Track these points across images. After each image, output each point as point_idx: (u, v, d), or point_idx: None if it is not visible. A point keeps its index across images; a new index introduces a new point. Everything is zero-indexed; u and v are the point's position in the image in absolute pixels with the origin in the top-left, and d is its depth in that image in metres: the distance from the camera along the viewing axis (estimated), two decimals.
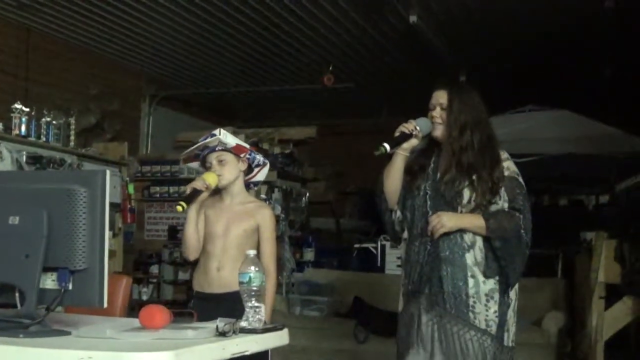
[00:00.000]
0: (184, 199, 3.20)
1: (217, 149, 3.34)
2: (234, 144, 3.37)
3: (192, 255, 3.41)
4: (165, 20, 7.93)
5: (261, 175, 3.56)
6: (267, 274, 3.04)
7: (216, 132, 3.37)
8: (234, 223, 3.37)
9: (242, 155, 3.41)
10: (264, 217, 3.41)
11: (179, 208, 3.18)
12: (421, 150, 3.24)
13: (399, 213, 3.24)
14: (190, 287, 3.55)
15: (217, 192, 3.38)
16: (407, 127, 3.13)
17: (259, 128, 8.45)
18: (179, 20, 7.93)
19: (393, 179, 3.22)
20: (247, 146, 3.48)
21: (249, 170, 3.49)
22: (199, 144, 3.36)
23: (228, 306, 2.94)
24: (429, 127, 3.16)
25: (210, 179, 3.26)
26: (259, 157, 3.52)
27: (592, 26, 7.70)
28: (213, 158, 3.35)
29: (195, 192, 3.21)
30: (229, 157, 3.36)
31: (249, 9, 7.54)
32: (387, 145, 3.08)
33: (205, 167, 3.38)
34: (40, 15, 7.72)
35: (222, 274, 3.32)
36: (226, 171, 3.34)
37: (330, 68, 8.97)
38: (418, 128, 3.13)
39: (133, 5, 7.42)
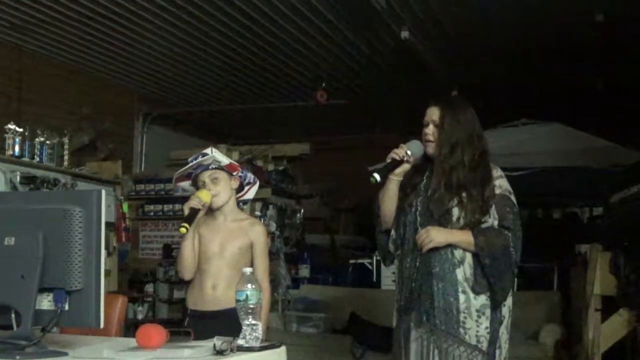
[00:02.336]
0: (185, 220, 3.19)
1: (210, 167, 3.35)
2: (227, 162, 3.40)
3: (188, 274, 3.41)
4: (158, 39, 7.96)
5: (251, 193, 3.59)
6: (261, 291, 3.05)
7: (208, 150, 3.38)
8: (229, 241, 3.38)
9: (234, 173, 3.43)
10: (258, 234, 3.42)
11: (183, 230, 3.17)
12: (415, 167, 3.23)
13: (393, 232, 3.24)
14: (185, 305, 3.55)
15: (210, 210, 3.39)
16: (398, 153, 3.12)
17: (252, 145, 8.46)
18: (171, 39, 7.96)
19: (388, 203, 3.22)
20: (238, 165, 3.51)
21: (240, 188, 3.51)
22: (193, 163, 3.36)
23: (223, 323, 2.94)
24: (421, 149, 3.15)
25: (205, 196, 3.26)
26: (250, 175, 3.55)
27: (582, 39, 7.75)
28: (206, 176, 3.35)
29: (194, 212, 3.21)
30: (221, 175, 3.37)
31: (241, 27, 7.57)
32: (377, 176, 3.08)
33: (197, 186, 3.39)
34: (33, 36, 7.74)
35: (217, 292, 3.32)
36: (220, 189, 3.35)
37: (323, 85, 9.00)
38: (409, 152, 3.12)
39: (125, 24, 7.45)
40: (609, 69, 8.63)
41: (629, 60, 8.32)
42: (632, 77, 8.84)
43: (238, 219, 3.47)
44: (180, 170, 3.44)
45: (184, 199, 3.37)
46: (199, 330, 2.73)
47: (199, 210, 3.23)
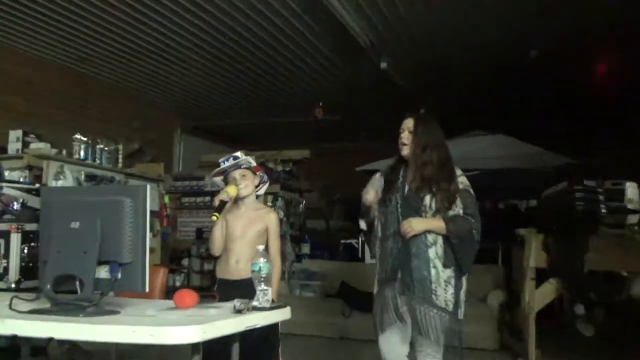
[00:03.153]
0: (216, 209, 3.18)
1: (242, 166, 3.37)
2: (254, 165, 3.42)
3: (217, 251, 3.41)
4: (194, 69, 7.98)
5: (263, 189, 3.59)
6: (274, 264, 3.05)
7: (239, 154, 3.39)
8: (249, 226, 3.37)
9: (257, 173, 3.44)
10: (271, 220, 3.41)
11: (214, 217, 3.17)
12: (391, 167, 3.23)
13: (375, 213, 3.24)
14: (214, 275, 3.54)
15: (235, 201, 3.38)
16: (368, 198, 3.14)
17: (265, 150, 8.45)
18: (204, 69, 7.98)
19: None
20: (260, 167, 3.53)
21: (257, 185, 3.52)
22: (230, 163, 3.36)
23: (243, 289, 2.93)
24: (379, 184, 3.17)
25: (232, 190, 3.26)
26: (265, 176, 3.56)
27: (520, 71, 7.74)
28: (237, 174, 3.36)
29: (223, 203, 3.21)
30: (249, 173, 3.39)
31: (257, 59, 7.59)
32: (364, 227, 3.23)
33: (227, 181, 3.39)
34: (95, 66, 7.74)
35: (239, 266, 3.31)
36: (248, 183, 3.37)
37: (320, 104, 8.98)
38: (373, 191, 3.15)
39: (169, 58, 7.48)
40: (542, 91, 8.64)
41: (560, 83, 8.33)
42: (560, 97, 8.87)
43: (257, 208, 3.46)
44: (219, 168, 3.43)
45: (213, 193, 3.37)
46: (225, 294, 2.73)
47: (226, 202, 3.23)
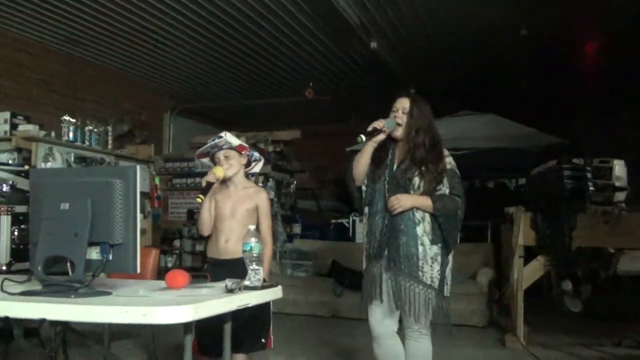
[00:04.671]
0: (202, 191, 3.16)
1: (224, 147, 3.33)
2: (237, 144, 3.37)
3: (206, 231, 3.39)
4: (184, 50, 7.90)
5: (257, 167, 3.56)
6: (265, 243, 3.03)
7: (222, 134, 3.35)
8: (238, 205, 3.35)
9: (243, 152, 3.40)
10: (261, 199, 3.40)
11: (199, 199, 3.15)
12: (381, 145, 3.21)
13: (364, 187, 3.23)
14: (205, 256, 3.53)
15: (224, 181, 3.36)
16: (378, 124, 3.10)
17: (256, 132, 8.42)
18: (194, 50, 7.90)
19: (363, 163, 3.18)
20: (247, 146, 3.48)
21: (248, 164, 3.48)
22: (210, 144, 3.33)
23: (233, 269, 2.93)
24: (394, 125, 3.12)
25: (219, 172, 3.23)
26: (256, 154, 3.52)
27: (511, 50, 7.73)
28: (221, 155, 3.33)
29: (209, 185, 3.19)
30: (232, 153, 3.35)
31: (248, 40, 7.52)
32: (363, 137, 3.06)
33: (214, 162, 3.36)
34: (84, 47, 7.64)
35: (229, 245, 3.30)
36: (232, 164, 3.33)
37: (311, 84, 8.94)
38: (385, 126, 3.11)
39: (159, 39, 7.40)
40: (530, 74, 8.63)
41: (546, 67, 8.33)
42: (548, 81, 8.86)
43: (246, 187, 3.43)
44: (201, 149, 3.40)
45: (203, 174, 3.34)
46: (216, 274, 2.72)
47: (213, 183, 3.21)
